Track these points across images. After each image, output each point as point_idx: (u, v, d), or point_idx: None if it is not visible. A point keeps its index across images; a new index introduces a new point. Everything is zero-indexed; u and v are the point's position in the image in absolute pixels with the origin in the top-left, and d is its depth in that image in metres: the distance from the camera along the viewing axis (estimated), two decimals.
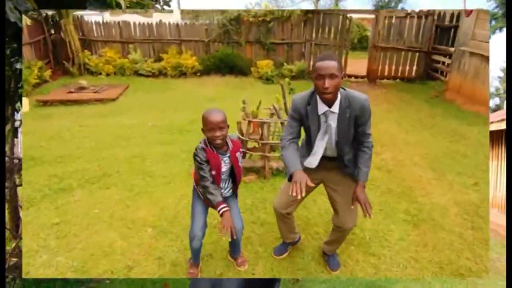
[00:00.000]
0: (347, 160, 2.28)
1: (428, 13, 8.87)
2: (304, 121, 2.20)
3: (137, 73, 9.65)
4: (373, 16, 9.56)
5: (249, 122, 3.83)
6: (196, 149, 2.22)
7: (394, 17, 9.02)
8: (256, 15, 9.55)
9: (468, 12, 7.48)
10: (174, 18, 16.20)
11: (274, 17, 9.53)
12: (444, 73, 8.60)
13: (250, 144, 4.14)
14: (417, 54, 9.28)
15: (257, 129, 4.01)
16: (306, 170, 2.24)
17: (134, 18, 13.52)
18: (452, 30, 8.86)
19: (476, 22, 7.26)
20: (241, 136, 3.97)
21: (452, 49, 8.14)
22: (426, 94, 8.06)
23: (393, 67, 9.43)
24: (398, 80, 9.50)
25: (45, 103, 7.28)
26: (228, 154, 2.25)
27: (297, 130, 2.26)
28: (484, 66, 6.88)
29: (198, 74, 9.74)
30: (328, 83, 1.92)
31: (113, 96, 7.60)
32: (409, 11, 8.98)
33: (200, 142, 2.24)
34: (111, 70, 9.64)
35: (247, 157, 4.10)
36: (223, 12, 9.80)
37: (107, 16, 16.65)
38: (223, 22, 9.69)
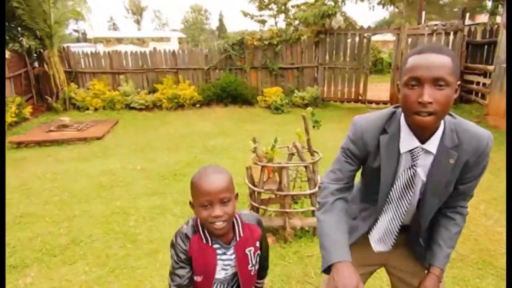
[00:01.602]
0: (424, 232, 1.45)
1: (457, 29, 8.26)
2: (370, 161, 1.38)
3: (128, 107, 9.05)
4: (389, 37, 9.03)
5: (263, 167, 3.03)
6: (176, 235, 1.41)
7: (418, 35, 8.43)
8: (262, 38, 9.04)
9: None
10: (171, 45, 15.94)
11: (282, 39, 8.99)
12: (483, 95, 7.85)
13: (264, 196, 3.32)
14: None
15: (273, 176, 3.20)
16: (357, 246, 1.46)
17: (128, 48, 13.18)
18: (486, 46, 8.22)
19: None
20: (251, 186, 3.15)
21: (491, 68, 7.43)
22: None
23: None
24: None
25: (19, 144, 6.58)
26: (231, 249, 1.43)
27: (351, 175, 1.44)
28: None
29: (198, 105, 9.11)
30: (429, 94, 1.13)
31: (99, 135, 6.90)
32: (435, 27, 8.39)
33: (187, 223, 1.44)
34: (99, 104, 9.06)
35: (260, 214, 3.26)
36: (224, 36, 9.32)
37: (100, 48, 16.45)
38: (224, 47, 9.17)
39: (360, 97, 9.13)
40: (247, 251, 1.43)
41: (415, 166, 1.29)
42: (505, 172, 4.51)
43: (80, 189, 4.48)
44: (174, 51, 9.64)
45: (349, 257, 1.28)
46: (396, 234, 1.43)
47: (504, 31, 7.07)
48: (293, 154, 3.29)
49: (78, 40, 34.24)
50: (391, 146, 1.31)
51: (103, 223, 3.62)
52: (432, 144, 1.26)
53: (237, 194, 1.40)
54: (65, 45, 9.80)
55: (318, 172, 3.28)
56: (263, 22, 10.61)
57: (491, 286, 2.50)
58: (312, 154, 3.22)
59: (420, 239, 1.45)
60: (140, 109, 8.99)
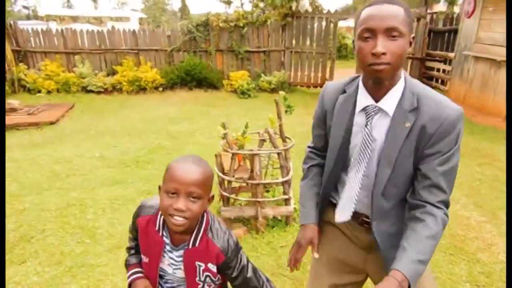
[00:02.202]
0: (396, 229, 1.28)
1: (421, 16, 8.37)
2: (327, 121, 1.38)
3: (85, 90, 8.45)
4: (353, 23, 9.01)
5: (233, 154, 2.84)
6: (142, 202, 1.36)
7: None
8: (227, 20, 8.70)
9: (470, 13, 6.98)
10: (131, 25, 15.13)
11: (248, 22, 8.71)
12: (445, 82, 8.06)
13: (235, 184, 3.14)
14: (409, 61, 8.73)
15: (244, 164, 3.03)
16: (334, 238, 1.48)
17: (84, 27, 12.35)
18: (446, 34, 8.41)
19: (479, 24, 6.76)
20: (221, 175, 2.96)
21: (452, 54, 7.62)
22: None
23: None
24: None
25: None
26: (181, 252, 1.26)
27: (321, 138, 1.45)
28: (495, 73, 6.31)
29: (160, 89, 8.68)
30: (383, 45, 1.09)
31: (52, 119, 6.37)
32: None
33: (148, 204, 1.34)
34: (53, 86, 8.38)
35: (230, 203, 3.09)
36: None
37: (53, 26, 15.35)
38: (188, 28, 8.75)
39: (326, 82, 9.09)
40: (196, 263, 1.26)
41: (369, 124, 1.22)
42: (469, 158, 4.63)
43: (31, 180, 4.08)
44: (134, 30, 9.07)
45: (314, 219, 1.42)
46: (355, 201, 1.30)
47: (465, 20, 7.24)
48: (264, 140, 3.13)
49: (28, 18, 31.79)
50: (346, 104, 1.29)
51: (58, 216, 3.30)
52: (388, 104, 1.20)
53: (212, 196, 1.24)
54: (11, 21, 8.93)
55: (291, 159, 3.15)
56: (228, 3, 10.26)
57: (463, 271, 2.51)
58: (284, 140, 3.07)
59: (376, 223, 1.30)
60: (99, 92, 8.43)
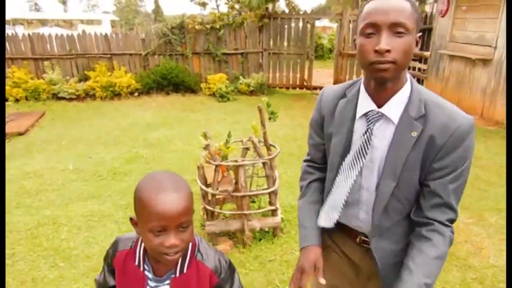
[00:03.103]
0: (398, 247, 1.18)
1: None
2: (326, 127, 1.25)
3: (56, 97, 8.07)
4: (327, 22, 9.02)
5: (216, 166, 2.69)
6: (110, 248, 1.14)
7: None
8: (203, 22, 8.51)
9: (444, 13, 7.07)
10: (103, 28, 14.66)
11: (225, 23, 8.55)
12: (421, 80, 8.16)
13: (219, 196, 2.99)
14: None
15: (228, 175, 2.88)
16: (330, 263, 1.34)
17: (53, 30, 11.85)
18: (421, 33, 8.51)
19: (453, 22, 6.86)
20: (204, 188, 2.81)
21: (427, 53, 7.71)
22: None
23: (362, 76, 8.86)
24: None
25: None
26: (166, 283, 1.11)
27: (320, 148, 1.32)
28: (470, 71, 6.41)
29: (136, 94, 8.40)
30: (387, 41, 0.98)
31: (21, 130, 6.02)
32: None
33: (124, 238, 1.16)
34: (21, 94, 7.96)
35: (215, 216, 2.94)
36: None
37: (20, 30, 14.69)
38: (163, 30, 8.50)
39: (305, 83, 9.05)
40: None
41: (369, 131, 1.11)
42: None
43: None
44: (106, 34, 8.74)
45: (316, 240, 1.25)
46: (341, 208, 1.20)
47: (439, 18, 7.34)
48: (248, 148, 3.00)
49: None
50: (346, 109, 1.18)
51: (28, 238, 3.06)
52: (392, 110, 1.08)
53: (193, 211, 1.07)
54: None
55: (276, 167, 3.03)
56: (203, 5, 10.05)
57: (457, 279, 2.45)
58: (268, 149, 2.95)
59: (376, 241, 1.20)
60: (70, 99, 8.07)
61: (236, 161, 2.68)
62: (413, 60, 8.50)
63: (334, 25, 13.07)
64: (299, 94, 8.88)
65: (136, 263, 1.11)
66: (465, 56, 6.35)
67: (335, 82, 8.94)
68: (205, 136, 2.74)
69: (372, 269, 1.25)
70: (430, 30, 7.82)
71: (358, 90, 1.16)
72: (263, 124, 2.87)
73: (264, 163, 2.80)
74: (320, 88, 9.09)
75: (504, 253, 2.72)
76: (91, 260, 2.76)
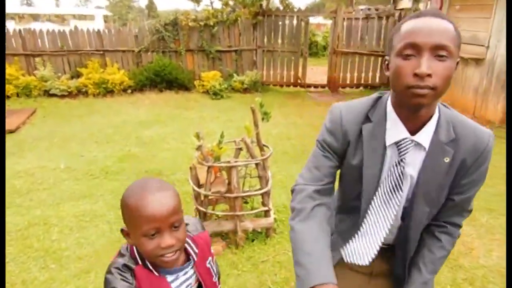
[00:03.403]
0: (411, 251, 1.21)
1: (390, 14, 8.45)
2: (349, 156, 1.14)
3: (48, 93, 7.97)
4: (322, 20, 9.01)
5: (209, 167, 2.67)
6: (110, 271, 1.03)
7: (353, 19, 8.49)
8: (197, 19, 8.45)
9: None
10: (96, 24, 14.51)
11: (218, 20, 8.50)
12: None
13: (212, 197, 2.97)
14: (379, 58, 8.81)
15: (221, 176, 2.87)
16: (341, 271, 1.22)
17: (44, 26, 11.70)
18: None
19: None
20: (196, 189, 2.79)
21: None
22: None
23: (356, 74, 8.88)
24: (361, 88, 8.96)
25: None
26: (189, 268, 1.12)
27: (331, 174, 1.20)
28: (462, 70, 6.45)
29: (129, 91, 8.33)
30: (428, 65, 0.91)
31: (12, 127, 5.94)
32: (369, 12, 8.50)
33: (120, 256, 1.07)
34: (12, 91, 7.85)
35: (208, 217, 2.93)
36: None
37: (11, 25, 14.49)
38: (156, 27, 8.43)
39: (299, 81, 9.04)
40: (207, 264, 1.16)
41: (403, 162, 1.06)
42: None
43: None
44: (99, 30, 8.64)
45: (334, 278, 1.01)
46: (377, 251, 1.19)
47: None
48: (241, 149, 2.99)
49: None
50: (375, 137, 1.08)
51: (18, 239, 3.02)
52: (424, 137, 1.04)
53: (181, 212, 1.08)
54: None
55: (269, 168, 3.02)
56: (197, 1, 9.98)
57: (447, 279, 2.47)
58: (261, 149, 2.94)
59: (407, 264, 1.23)
60: (62, 96, 7.97)
61: (228, 162, 2.67)
62: None
63: (329, 22, 13.05)
64: (293, 92, 8.87)
65: (155, 273, 1.05)
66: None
67: (329, 80, 8.95)
68: (197, 136, 2.72)
69: (384, 268, 1.28)
70: None
71: (384, 113, 1.09)
72: (256, 125, 2.85)
73: (257, 164, 2.79)
74: (315, 86, 9.13)
75: (494, 253, 2.75)
76: (82, 261, 2.73)
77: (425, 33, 0.91)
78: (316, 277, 0.99)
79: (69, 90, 7.99)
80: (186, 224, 1.13)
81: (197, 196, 2.84)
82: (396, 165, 1.07)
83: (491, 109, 5.82)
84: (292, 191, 1.23)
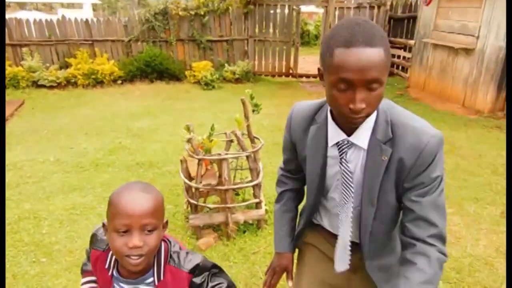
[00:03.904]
0: (369, 251, 1.22)
1: (381, 3, 8.42)
2: (299, 150, 1.27)
3: (36, 84, 7.84)
4: (313, 8, 8.95)
5: (199, 160, 2.66)
6: (90, 240, 1.19)
7: (345, 8, 8.45)
8: (187, 8, 8.33)
9: (428, 1, 7.08)
10: (84, 12, 14.19)
11: (209, 10, 8.39)
12: (405, 69, 8.21)
13: (203, 189, 2.97)
14: None
15: (212, 168, 2.87)
16: (314, 260, 1.40)
17: (31, 15, 11.43)
18: (406, 21, 8.55)
19: (437, 11, 6.88)
20: (187, 182, 2.78)
21: (412, 42, 7.74)
22: (388, 93, 7.53)
23: None
24: None
25: None
26: (141, 286, 1.11)
27: (296, 164, 1.34)
28: (452, 60, 6.47)
29: (119, 82, 8.23)
30: (361, 99, 0.95)
31: None
32: (360, 1, 8.46)
33: (99, 238, 1.17)
34: None
35: (198, 210, 2.93)
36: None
37: None
38: (146, 16, 8.30)
39: (291, 71, 9.01)
40: None
41: (344, 160, 1.13)
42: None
43: None
44: (87, 20, 8.48)
45: (288, 248, 1.40)
46: (349, 249, 1.22)
47: (424, 7, 7.35)
48: (231, 141, 2.98)
49: None
50: (318, 137, 1.18)
51: (8, 233, 2.99)
52: (362, 137, 1.09)
53: (166, 222, 1.10)
54: None
55: (260, 160, 3.02)
56: None
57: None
58: (252, 141, 2.93)
59: (369, 263, 1.25)
60: (51, 87, 7.85)
61: (219, 154, 2.66)
62: (398, 48, 8.54)
63: (321, 11, 12.97)
64: (285, 82, 8.84)
65: (106, 266, 1.12)
66: (448, 45, 6.41)
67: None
68: (188, 129, 2.71)
69: (358, 263, 1.28)
70: (415, 18, 7.83)
71: (326, 117, 1.15)
72: (246, 117, 2.84)
73: (247, 156, 2.79)
74: (306, 76, 9.11)
75: (481, 242, 2.80)
76: (73, 255, 2.73)
77: (357, 69, 0.92)
78: (276, 247, 1.41)
79: (57, 81, 7.87)
80: (177, 252, 1.11)
81: (188, 188, 2.83)
82: (340, 164, 1.14)
83: (481, 99, 5.87)
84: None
